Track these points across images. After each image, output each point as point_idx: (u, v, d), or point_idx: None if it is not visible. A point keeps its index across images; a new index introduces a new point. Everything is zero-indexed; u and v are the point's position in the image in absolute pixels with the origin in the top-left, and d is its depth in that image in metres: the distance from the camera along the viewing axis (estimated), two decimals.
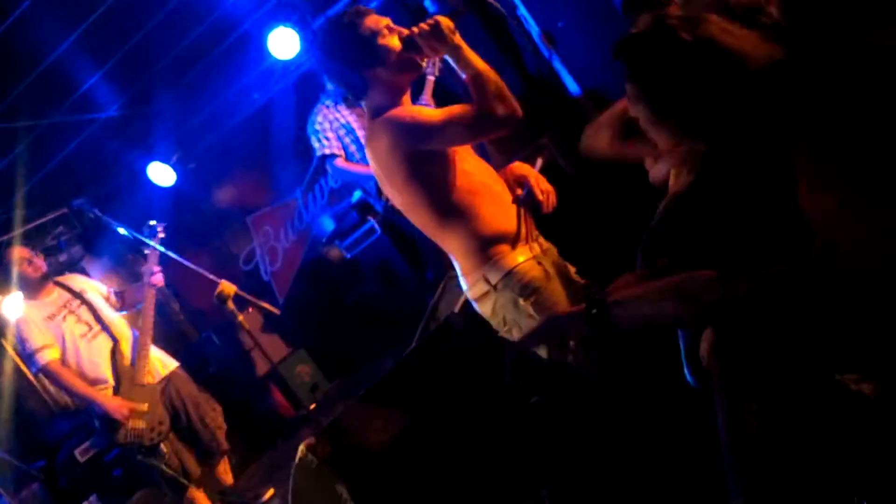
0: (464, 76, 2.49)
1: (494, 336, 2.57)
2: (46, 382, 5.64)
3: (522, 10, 4.95)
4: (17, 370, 5.44)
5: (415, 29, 2.47)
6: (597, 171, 3.62)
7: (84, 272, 6.36)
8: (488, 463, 2.47)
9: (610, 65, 1.80)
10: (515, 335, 2.50)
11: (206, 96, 6.42)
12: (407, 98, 2.57)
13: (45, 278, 4.65)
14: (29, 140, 5.34)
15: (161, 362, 4.70)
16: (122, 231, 4.85)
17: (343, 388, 6.27)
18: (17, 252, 4.60)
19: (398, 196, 2.58)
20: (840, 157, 1.48)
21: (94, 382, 4.45)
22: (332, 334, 6.57)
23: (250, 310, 5.61)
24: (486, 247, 2.53)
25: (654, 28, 1.69)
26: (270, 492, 4.90)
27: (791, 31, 1.64)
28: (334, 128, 4.69)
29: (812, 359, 1.59)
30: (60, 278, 4.85)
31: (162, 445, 4.42)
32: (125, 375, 4.49)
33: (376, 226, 5.64)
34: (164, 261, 4.79)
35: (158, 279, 4.77)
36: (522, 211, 2.63)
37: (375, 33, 2.48)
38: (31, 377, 5.59)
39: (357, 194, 5.57)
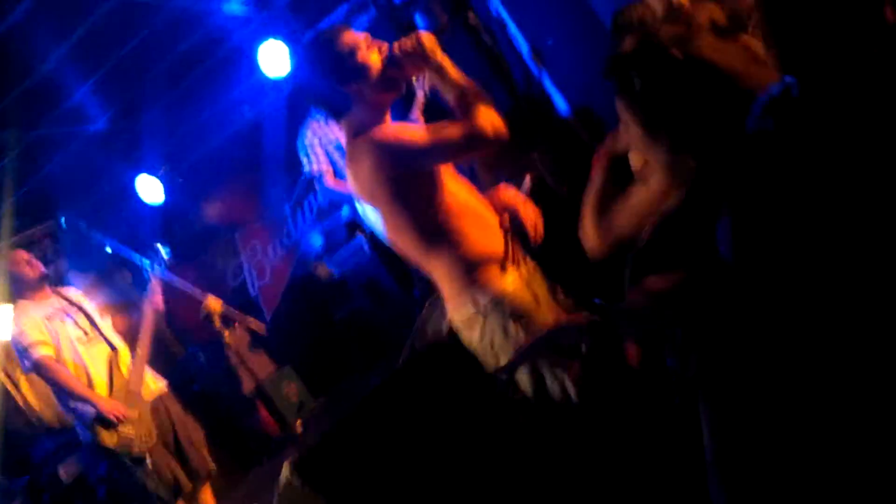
0: (447, 96, 2.42)
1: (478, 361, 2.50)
2: (32, 400, 5.60)
3: (512, 28, 4.95)
4: (3, 389, 5.41)
5: (396, 45, 2.41)
6: (585, 190, 3.59)
7: (71, 285, 6.33)
8: (474, 484, 2.44)
9: (599, 82, 1.79)
10: (502, 361, 2.39)
11: (195, 110, 6.39)
12: (388, 116, 2.49)
13: (44, 279, 4.66)
14: (16, 153, 5.32)
15: (153, 380, 4.69)
16: (108, 249, 4.89)
17: (329, 405, 6.22)
18: (16, 254, 4.65)
19: (380, 219, 2.47)
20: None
21: (88, 385, 4.41)
22: (320, 351, 6.53)
23: (236, 325, 5.58)
24: (473, 270, 2.41)
25: (645, 46, 1.69)
26: None
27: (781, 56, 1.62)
28: (323, 144, 4.66)
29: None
30: (58, 288, 4.85)
31: (147, 460, 4.38)
32: (119, 384, 4.48)
33: (365, 243, 5.61)
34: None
35: (158, 302, 4.80)
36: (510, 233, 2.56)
37: (353, 49, 2.39)
38: (17, 397, 5.56)
39: (346, 211, 5.55)
